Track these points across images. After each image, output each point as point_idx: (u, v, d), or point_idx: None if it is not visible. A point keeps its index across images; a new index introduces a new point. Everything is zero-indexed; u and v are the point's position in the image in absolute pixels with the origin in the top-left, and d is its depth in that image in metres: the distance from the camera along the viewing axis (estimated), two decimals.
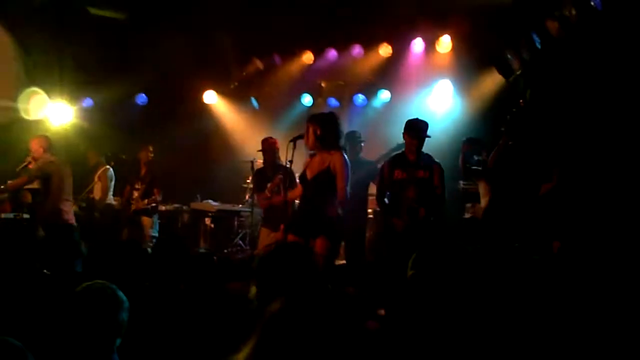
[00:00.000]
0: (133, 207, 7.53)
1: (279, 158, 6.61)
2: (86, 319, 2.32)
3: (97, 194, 8.05)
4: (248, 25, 8.39)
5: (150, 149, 7.77)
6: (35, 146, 6.82)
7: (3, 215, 7.28)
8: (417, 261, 2.19)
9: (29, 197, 7.60)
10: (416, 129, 5.42)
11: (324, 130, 4.83)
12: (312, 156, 5.02)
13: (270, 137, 6.80)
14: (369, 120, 8.76)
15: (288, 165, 5.05)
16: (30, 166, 6.84)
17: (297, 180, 5.75)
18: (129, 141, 8.49)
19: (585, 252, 5.02)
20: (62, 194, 6.78)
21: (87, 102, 9.74)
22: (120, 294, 2.41)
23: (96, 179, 8.06)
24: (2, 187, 7.03)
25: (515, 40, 7.16)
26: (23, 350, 1.82)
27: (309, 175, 4.93)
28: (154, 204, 7.49)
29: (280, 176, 6.26)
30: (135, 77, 9.24)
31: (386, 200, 5.54)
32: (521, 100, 5.72)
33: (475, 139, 6.92)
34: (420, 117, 5.55)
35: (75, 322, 2.33)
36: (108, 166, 8.13)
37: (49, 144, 6.89)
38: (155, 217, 7.68)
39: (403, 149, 5.58)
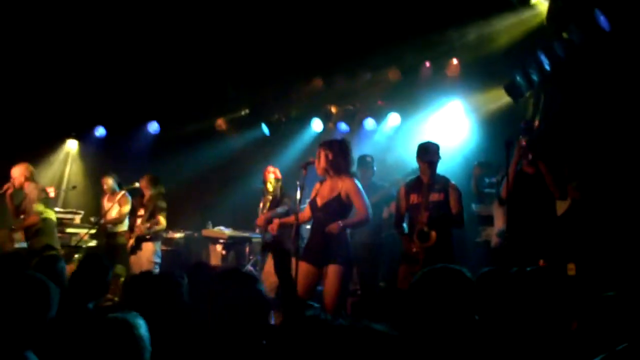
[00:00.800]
0: (136, 233, 7.44)
1: (280, 187, 7.08)
2: (99, 356, 2.07)
3: (109, 216, 7.83)
4: (258, 51, 8.47)
5: (149, 176, 7.60)
6: (16, 174, 6.77)
7: (17, 245, 7.28)
8: (420, 281, 2.17)
9: None
10: (427, 152, 5.40)
11: (336, 155, 4.85)
12: (321, 182, 5.02)
13: (267, 167, 7.24)
14: (380, 145, 8.76)
15: (298, 191, 4.97)
16: (9, 192, 6.80)
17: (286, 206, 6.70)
18: (142, 169, 8.51)
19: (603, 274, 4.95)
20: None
21: (100, 131, 9.84)
22: (142, 331, 2.12)
23: (115, 202, 7.76)
24: (13, 227, 7.02)
25: (524, 62, 7.16)
26: None
27: (319, 202, 4.92)
28: (156, 227, 7.34)
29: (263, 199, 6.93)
30: (147, 105, 9.35)
31: (405, 225, 5.48)
32: (536, 121, 5.64)
33: (486, 163, 6.90)
34: (431, 140, 5.53)
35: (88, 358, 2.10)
36: (125, 192, 7.97)
37: (31, 172, 6.85)
38: (158, 244, 7.53)
39: (418, 174, 5.55)
